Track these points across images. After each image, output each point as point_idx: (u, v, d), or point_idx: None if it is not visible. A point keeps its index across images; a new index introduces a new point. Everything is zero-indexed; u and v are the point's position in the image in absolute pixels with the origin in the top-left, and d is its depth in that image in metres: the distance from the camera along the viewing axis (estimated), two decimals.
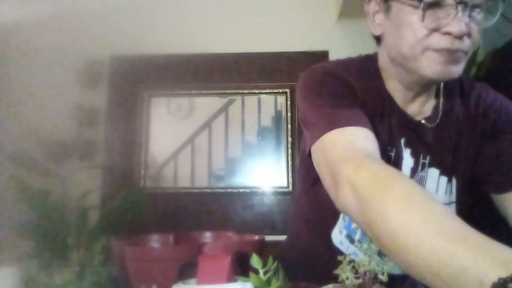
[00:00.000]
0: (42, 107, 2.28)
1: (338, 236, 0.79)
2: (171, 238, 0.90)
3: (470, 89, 0.75)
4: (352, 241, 0.78)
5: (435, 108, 0.73)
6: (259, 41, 2.38)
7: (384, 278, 0.53)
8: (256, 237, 0.88)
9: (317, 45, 2.39)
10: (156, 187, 2.26)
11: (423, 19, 0.61)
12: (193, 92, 2.35)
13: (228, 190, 2.26)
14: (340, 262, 0.54)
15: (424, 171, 0.70)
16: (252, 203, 2.23)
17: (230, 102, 2.37)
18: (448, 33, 0.61)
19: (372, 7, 0.71)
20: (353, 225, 0.76)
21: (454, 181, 0.71)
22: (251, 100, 2.36)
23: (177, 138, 2.31)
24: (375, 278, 0.53)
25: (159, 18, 2.45)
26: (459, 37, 0.60)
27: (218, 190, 2.25)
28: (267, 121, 2.33)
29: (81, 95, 2.35)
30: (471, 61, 2.21)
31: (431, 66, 0.63)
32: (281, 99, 2.34)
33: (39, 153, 1.97)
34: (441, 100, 0.73)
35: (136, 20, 2.44)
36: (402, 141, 0.71)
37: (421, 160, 0.70)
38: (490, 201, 0.71)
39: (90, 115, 2.32)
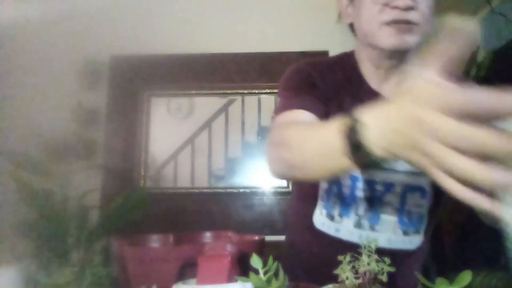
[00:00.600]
0: (42, 107, 2.28)
1: (319, 218, 0.84)
2: (171, 238, 0.90)
3: None
4: (332, 218, 0.82)
5: None
6: (259, 41, 2.38)
7: (384, 278, 0.53)
8: (256, 237, 0.88)
9: (317, 45, 2.39)
10: (156, 187, 2.26)
11: (372, 1, 0.73)
12: (193, 92, 2.35)
13: (228, 190, 2.26)
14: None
15: None
16: (252, 203, 2.23)
17: (230, 102, 2.37)
18: (395, 7, 0.71)
19: (343, 2, 0.82)
20: (332, 201, 0.82)
21: None
22: (251, 100, 2.36)
23: (177, 138, 2.30)
24: (375, 278, 0.53)
25: (159, 18, 2.45)
26: (406, 9, 0.70)
27: (218, 190, 2.25)
28: (267, 121, 2.33)
29: (81, 95, 2.35)
30: (471, 61, 2.21)
31: (387, 38, 0.73)
32: None
33: (39, 153, 1.97)
34: None
35: (136, 20, 2.44)
36: None
37: None
38: None
39: (90, 115, 2.32)
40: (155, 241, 0.91)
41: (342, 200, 0.80)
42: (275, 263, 0.59)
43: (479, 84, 2.16)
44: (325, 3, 2.55)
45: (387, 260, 0.55)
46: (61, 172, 1.92)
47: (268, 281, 0.57)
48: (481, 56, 2.27)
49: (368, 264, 0.54)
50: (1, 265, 0.78)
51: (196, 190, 2.24)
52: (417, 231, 0.79)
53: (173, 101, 2.35)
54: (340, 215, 0.81)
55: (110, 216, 1.58)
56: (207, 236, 0.97)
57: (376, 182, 0.77)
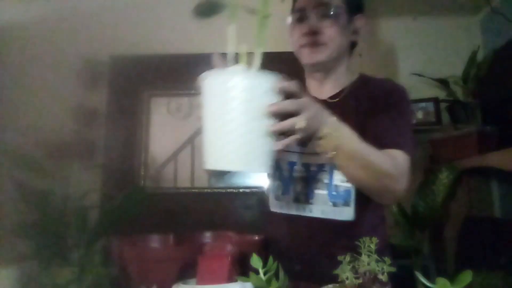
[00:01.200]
0: (42, 107, 2.28)
1: (271, 201, 1.02)
2: (171, 238, 0.90)
3: (369, 80, 1.04)
4: (277, 198, 1.01)
5: (341, 91, 1.01)
6: None
7: (384, 278, 0.53)
8: (256, 237, 0.88)
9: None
10: (156, 187, 2.26)
11: (293, 28, 0.99)
12: (193, 92, 2.35)
13: (228, 190, 2.26)
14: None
15: None
16: (252, 203, 2.23)
17: None
18: (305, 34, 0.96)
19: (289, 27, 1.04)
20: (276, 184, 1.01)
21: None
22: None
23: (177, 138, 2.30)
24: (375, 278, 0.53)
25: (159, 18, 2.45)
26: (312, 34, 0.94)
27: (218, 190, 2.25)
28: None
29: (81, 95, 2.35)
30: (471, 61, 2.21)
31: (304, 57, 0.99)
32: None
33: (39, 153, 1.97)
34: (346, 86, 1.02)
35: (136, 20, 2.44)
36: None
37: None
38: None
39: (90, 115, 2.32)
40: (155, 241, 0.91)
41: (283, 182, 0.99)
42: (275, 263, 0.59)
43: (479, 84, 2.18)
44: None
45: (388, 260, 0.55)
46: (61, 172, 1.92)
47: (268, 281, 0.57)
48: (481, 56, 2.27)
49: (368, 264, 0.54)
50: (1, 265, 0.77)
51: (196, 190, 2.24)
52: (346, 203, 0.92)
53: (173, 101, 2.35)
54: (283, 194, 0.99)
55: (110, 216, 1.58)
56: (207, 236, 0.97)
57: (311, 164, 0.95)
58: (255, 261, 0.58)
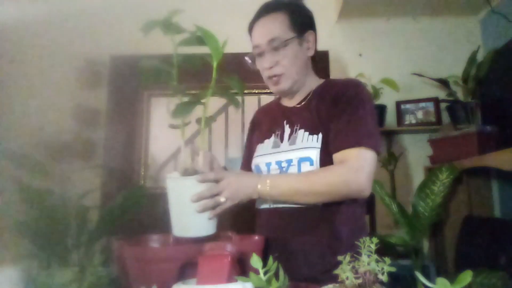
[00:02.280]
0: (42, 107, 2.28)
1: (258, 200, 1.12)
2: (171, 238, 0.90)
3: (334, 82, 1.12)
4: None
5: (305, 97, 1.11)
6: None
7: (384, 278, 0.53)
8: (256, 237, 0.88)
9: (317, 45, 2.39)
10: (156, 187, 2.26)
11: (256, 62, 1.12)
12: (193, 92, 2.35)
13: None
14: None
15: (296, 133, 1.06)
16: (252, 203, 2.23)
17: (230, 102, 2.37)
18: (264, 68, 1.08)
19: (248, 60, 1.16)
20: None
21: (320, 135, 1.01)
22: (251, 100, 2.36)
23: (177, 138, 2.30)
24: (375, 278, 0.53)
25: (159, 18, 2.45)
26: (269, 68, 1.06)
27: None
28: None
29: (81, 95, 2.35)
30: (471, 61, 2.21)
31: (271, 88, 1.11)
32: None
33: (39, 153, 1.97)
34: (310, 93, 1.11)
35: (136, 20, 2.44)
36: (284, 122, 1.12)
37: (295, 127, 1.08)
38: None
39: (90, 115, 2.32)
40: (155, 241, 0.91)
41: None
42: (275, 263, 0.59)
43: (479, 84, 2.17)
44: (325, 3, 2.55)
45: (388, 260, 0.55)
46: (61, 172, 1.92)
47: (268, 281, 0.57)
48: (481, 56, 2.27)
49: (368, 264, 0.54)
50: (1, 265, 0.77)
51: None
52: None
53: (173, 101, 2.35)
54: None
55: (110, 216, 1.58)
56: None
57: (282, 161, 1.05)
58: (255, 261, 0.58)
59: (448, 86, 2.26)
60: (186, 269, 0.70)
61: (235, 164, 2.30)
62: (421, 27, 2.51)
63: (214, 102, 2.36)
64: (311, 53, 1.11)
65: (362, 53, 2.51)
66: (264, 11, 1.09)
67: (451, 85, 2.26)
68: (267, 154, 1.10)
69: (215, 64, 0.83)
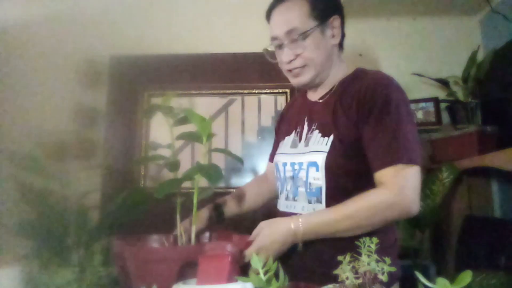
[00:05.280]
0: (42, 107, 2.28)
1: (276, 201, 1.10)
2: (171, 238, 0.90)
3: (361, 76, 1.00)
4: (277, 197, 1.09)
5: (328, 92, 1.03)
6: (260, 41, 2.37)
7: (384, 278, 0.53)
8: None
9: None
10: (156, 187, 2.25)
11: (276, 54, 1.03)
12: (193, 92, 2.35)
13: (228, 190, 2.25)
14: None
15: (312, 133, 0.99)
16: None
17: (230, 102, 2.37)
18: (283, 61, 1.00)
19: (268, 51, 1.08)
20: (277, 185, 1.09)
21: (331, 137, 0.93)
22: (251, 100, 2.36)
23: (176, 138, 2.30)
24: (375, 278, 0.53)
25: (159, 18, 2.45)
26: (288, 62, 0.99)
27: (218, 190, 2.25)
28: (267, 121, 2.33)
29: (81, 95, 2.35)
30: (471, 61, 2.21)
31: (291, 81, 1.03)
32: (281, 99, 2.34)
33: (39, 153, 1.96)
34: (334, 87, 1.02)
35: (136, 20, 2.44)
36: (305, 118, 1.05)
37: (312, 126, 1.00)
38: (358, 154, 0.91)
39: (90, 115, 2.32)
40: (155, 241, 0.92)
41: (280, 181, 1.06)
42: (275, 263, 0.59)
43: (479, 84, 2.18)
44: None
45: (388, 260, 0.55)
46: (61, 172, 1.91)
47: (268, 281, 0.57)
48: (481, 56, 2.27)
49: (368, 264, 0.54)
50: (1, 265, 0.77)
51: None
52: (318, 201, 0.93)
53: (173, 101, 2.35)
54: (280, 192, 1.06)
55: (110, 216, 1.57)
56: (207, 236, 0.97)
57: (295, 163, 0.99)
58: (255, 261, 0.58)
59: (448, 86, 2.26)
60: (186, 269, 0.70)
61: (235, 164, 2.30)
62: (421, 27, 2.51)
63: (214, 102, 2.36)
64: (336, 40, 1.01)
65: (362, 53, 2.51)
66: None
67: (451, 85, 2.26)
68: (285, 154, 1.05)
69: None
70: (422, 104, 2.33)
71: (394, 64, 2.45)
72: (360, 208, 0.84)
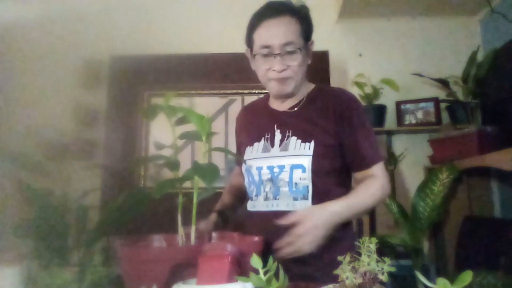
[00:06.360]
0: (42, 107, 2.28)
1: (249, 203, 1.17)
2: (171, 238, 0.90)
3: (325, 91, 1.17)
4: (251, 199, 1.16)
5: (299, 102, 1.14)
6: None
7: (384, 278, 0.53)
8: (256, 238, 0.88)
9: (317, 45, 2.36)
10: (154, 186, 2.26)
11: (258, 61, 1.08)
12: (193, 92, 2.35)
13: None
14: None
15: (288, 139, 1.10)
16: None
17: (230, 102, 2.37)
18: (274, 70, 1.06)
19: (248, 54, 1.15)
20: (250, 188, 1.16)
21: (312, 143, 1.06)
22: (251, 100, 2.36)
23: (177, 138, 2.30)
24: (375, 278, 0.53)
25: (159, 18, 2.45)
26: (279, 71, 1.05)
27: (218, 190, 2.25)
28: None
29: (81, 95, 2.35)
30: (471, 61, 2.21)
31: (273, 89, 1.11)
32: None
33: (39, 153, 1.96)
34: (303, 100, 1.15)
35: (136, 20, 2.44)
36: (275, 126, 1.14)
37: (287, 134, 1.11)
38: (338, 156, 1.09)
39: (90, 115, 2.32)
40: (155, 241, 0.91)
41: (255, 185, 1.13)
42: (275, 263, 0.59)
43: (479, 84, 2.18)
44: (325, 3, 2.55)
45: (388, 260, 0.55)
46: (61, 172, 1.92)
47: (268, 281, 0.57)
48: (481, 56, 2.27)
49: (368, 264, 0.54)
50: (1, 265, 0.77)
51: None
52: (304, 197, 1.05)
53: (173, 101, 2.35)
54: (256, 195, 1.13)
55: (110, 216, 1.57)
56: (211, 236, 0.97)
57: (274, 166, 1.08)
58: (255, 261, 0.58)
59: (448, 86, 2.26)
60: (186, 269, 0.70)
61: (234, 164, 2.30)
62: (421, 27, 2.51)
63: (214, 102, 2.36)
64: (309, 61, 1.15)
65: (362, 53, 2.51)
66: (275, 12, 1.08)
67: (451, 85, 2.26)
68: (258, 158, 1.13)
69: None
70: (422, 104, 2.33)
71: (394, 64, 2.45)
72: (374, 196, 1.04)
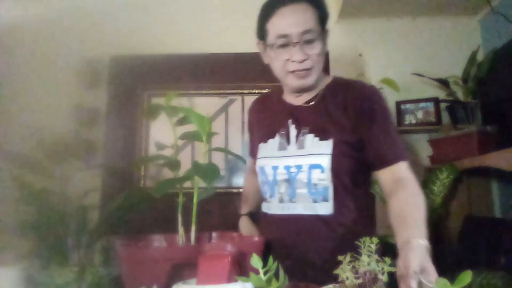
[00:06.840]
0: (42, 107, 2.28)
1: (264, 205, 1.11)
2: (171, 238, 0.90)
3: (344, 84, 1.07)
4: (266, 200, 1.09)
5: (315, 96, 1.06)
6: None
7: (384, 278, 0.53)
8: (256, 238, 0.88)
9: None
10: (154, 186, 2.25)
11: (275, 52, 1.00)
12: (193, 92, 2.35)
13: (228, 190, 2.26)
14: None
15: (304, 136, 1.02)
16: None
17: (230, 102, 2.37)
18: (294, 61, 0.98)
19: (260, 46, 1.09)
20: (264, 189, 1.09)
21: (331, 140, 0.98)
22: (251, 100, 2.35)
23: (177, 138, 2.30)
24: (375, 278, 0.53)
25: (159, 18, 2.45)
26: (300, 62, 0.97)
27: (218, 190, 2.25)
28: None
29: (81, 95, 2.35)
30: (471, 61, 2.21)
31: (292, 82, 1.02)
32: None
33: (39, 153, 1.97)
34: (320, 93, 1.06)
35: (136, 20, 2.44)
36: (290, 121, 1.06)
37: (302, 130, 1.03)
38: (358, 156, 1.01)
39: (90, 115, 2.32)
40: (155, 241, 0.91)
41: (269, 185, 1.06)
42: (275, 263, 0.59)
43: (479, 84, 2.18)
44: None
45: (388, 260, 0.55)
46: (61, 172, 1.92)
47: (268, 281, 0.57)
48: (481, 56, 2.27)
49: (368, 264, 0.54)
50: (1, 265, 0.77)
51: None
52: (325, 199, 0.99)
53: (173, 101, 2.35)
54: (270, 196, 1.06)
55: (110, 216, 1.58)
56: (208, 236, 0.97)
57: (291, 166, 1.01)
58: (255, 261, 0.58)
59: (448, 86, 2.26)
60: (186, 269, 0.70)
61: (235, 164, 2.30)
62: (421, 27, 2.51)
63: (214, 102, 2.36)
64: (327, 49, 1.07)
65: (362, 53, 2.51)
66: None
67: (451, 85, 2.26)
68: (274, 157, 1.05)
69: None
70: (422, 104, 2.33)
71: (394, 64, 2.45)
72: (420, 200, 0.94)
